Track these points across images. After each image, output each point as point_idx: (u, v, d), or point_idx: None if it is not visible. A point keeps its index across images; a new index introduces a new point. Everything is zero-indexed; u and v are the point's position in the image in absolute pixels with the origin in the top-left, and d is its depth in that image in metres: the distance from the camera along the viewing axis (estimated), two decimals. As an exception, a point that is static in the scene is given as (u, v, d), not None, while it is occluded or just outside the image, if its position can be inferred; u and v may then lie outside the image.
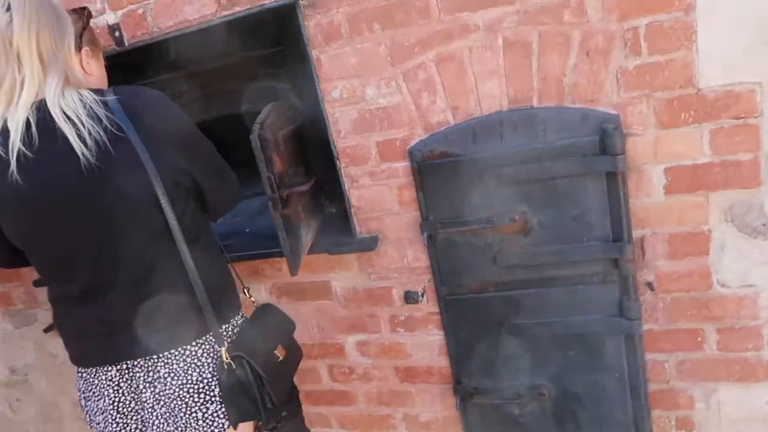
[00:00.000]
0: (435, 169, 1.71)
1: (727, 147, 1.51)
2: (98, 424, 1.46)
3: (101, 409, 1.45)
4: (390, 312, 1.94)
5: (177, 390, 1.37)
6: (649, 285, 1.66)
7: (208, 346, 1.40)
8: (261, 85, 2.18)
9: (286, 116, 1.89)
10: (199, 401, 1.39)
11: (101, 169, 1.21)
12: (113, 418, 1.43)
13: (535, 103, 1.61)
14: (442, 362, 1.93)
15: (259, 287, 2.07)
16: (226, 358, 1.38)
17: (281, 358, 1.61)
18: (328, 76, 1.75)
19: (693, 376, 1.71)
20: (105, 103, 1.23)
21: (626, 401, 1.74)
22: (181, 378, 1.37)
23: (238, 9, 1.73)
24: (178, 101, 2.28)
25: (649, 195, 1.60)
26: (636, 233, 1.63)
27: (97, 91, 1.27)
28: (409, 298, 1.89)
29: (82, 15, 1.42)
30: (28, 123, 1.20)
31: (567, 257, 1.66)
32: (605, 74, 1.53)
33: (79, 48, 1.35)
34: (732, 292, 1.61)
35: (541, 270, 1.71)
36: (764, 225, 1.54)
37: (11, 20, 1.19)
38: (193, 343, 1.38)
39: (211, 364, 1.40)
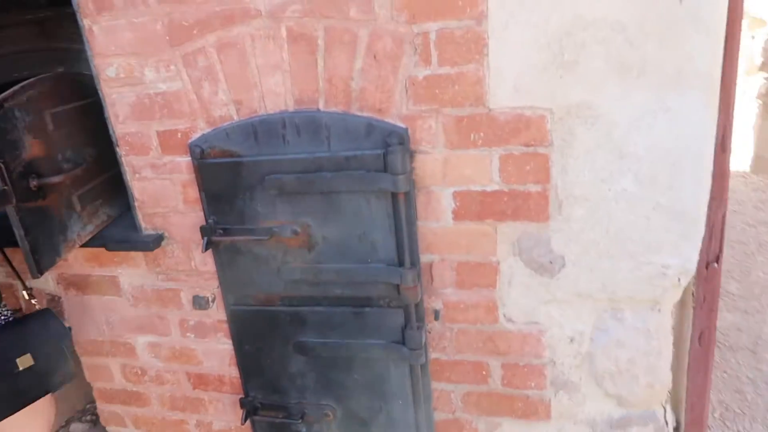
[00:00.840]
0: (216, 169, 1.52)
1: (517, 175, 1.37)
2: None
3: None
4: (180, 315, 1.77)
5: None
6: (436, 313, 1.55)
7: None
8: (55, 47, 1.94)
9: (71, 90, 1.66)
10: None
11: None
12: None
13: (321, 106, 1.43)
14: (234, 372, 1.79)
15: (46, 276, 1.87)
16: None
17: (21, 368, 1.48)
18: (102, 50, 1.52)
19: (478, 409, 1.62)
20: None
21: (410, 429, 1.65)
22: None
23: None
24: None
25: (437, 219, 1.46)
26: (425, 258, 1.50)
27: None
28: (198, 303, 1.73)
29: None
30: None
31: (351, 277, 1.52)
32: (394, 82, 1.36)
33: None
34: (517, 328, 1.51)
35: (326, 288, 1.56)
36: (551, 262, 1.43)
37: None
38: None
39: None
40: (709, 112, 1.23)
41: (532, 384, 1.55)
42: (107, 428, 2.08)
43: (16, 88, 1.46)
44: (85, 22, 1.50)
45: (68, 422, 2.54)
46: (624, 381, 1.49)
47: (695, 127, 1.24)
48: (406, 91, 1.36)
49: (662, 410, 1.53)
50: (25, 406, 1.49)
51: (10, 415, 1.46)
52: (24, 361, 1.49)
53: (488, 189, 1.40)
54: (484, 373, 1.58)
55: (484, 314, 1.52)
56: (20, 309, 1.92)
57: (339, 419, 1.70)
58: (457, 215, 1.44)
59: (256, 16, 1.39)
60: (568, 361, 1.51)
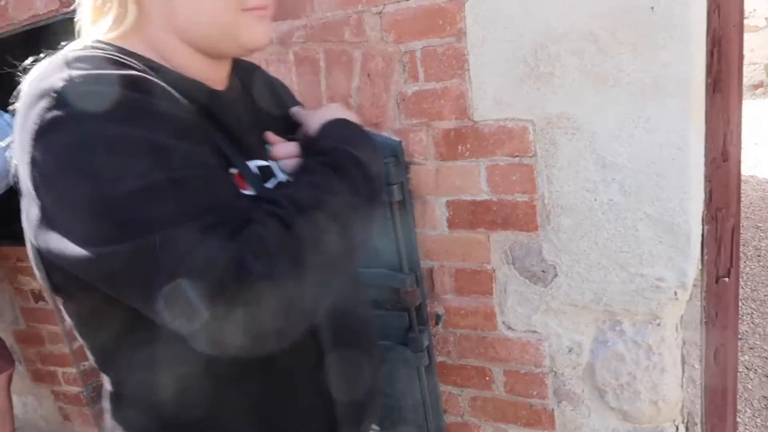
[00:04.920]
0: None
1: (504, 186, 1.40)
2: None
3: None
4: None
5: None
6: (437, 318, 1.60)
7: None
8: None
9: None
10: None
11: None
12: None
13: (326, 122, 1.55)
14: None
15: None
16: None
17: None
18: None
19: (484, 414, 1.65)
20: None
21: (423, 429, 1.71)
22: None
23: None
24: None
25: (434, 227, 1.52)
26: (425, 264, 1.57)
27: None
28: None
29: None
30: None
31: (362, 281, 1.62)
32: (387, 98, 1.45)
33: None
34: (516, 336, 1.52)
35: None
36: (543, 272, 1.43)
37: None
38: None
39: None
40: (693, 120, 1.19)
41: (535, 393, 1.55)
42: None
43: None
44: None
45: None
46: (626, 396, 1.45)
47: (677, 136, 1.20)
48: (398, 106, 1.44)
49: (674, 429, 1.46)
50: None
51: None
52: None
53: (478, 198, 1.44)
54: (487, 378, 1.61)
55: (484, 321, 1.55)
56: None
57: (357, 414, 1.80)
58: (452, 224, 1.49)
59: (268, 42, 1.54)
60: (568, 371, 1.50)
